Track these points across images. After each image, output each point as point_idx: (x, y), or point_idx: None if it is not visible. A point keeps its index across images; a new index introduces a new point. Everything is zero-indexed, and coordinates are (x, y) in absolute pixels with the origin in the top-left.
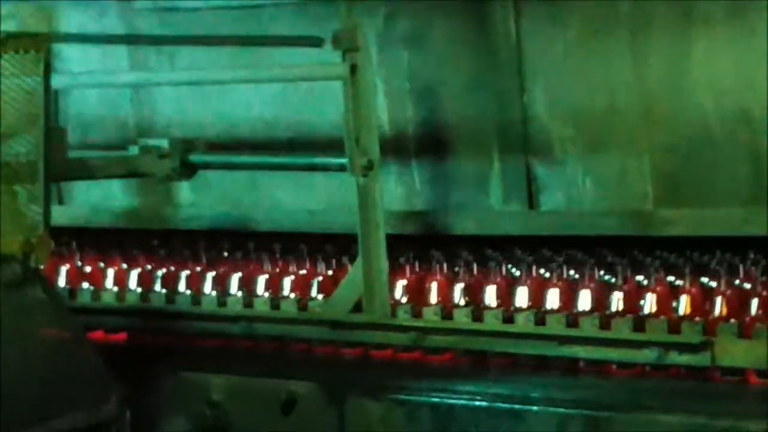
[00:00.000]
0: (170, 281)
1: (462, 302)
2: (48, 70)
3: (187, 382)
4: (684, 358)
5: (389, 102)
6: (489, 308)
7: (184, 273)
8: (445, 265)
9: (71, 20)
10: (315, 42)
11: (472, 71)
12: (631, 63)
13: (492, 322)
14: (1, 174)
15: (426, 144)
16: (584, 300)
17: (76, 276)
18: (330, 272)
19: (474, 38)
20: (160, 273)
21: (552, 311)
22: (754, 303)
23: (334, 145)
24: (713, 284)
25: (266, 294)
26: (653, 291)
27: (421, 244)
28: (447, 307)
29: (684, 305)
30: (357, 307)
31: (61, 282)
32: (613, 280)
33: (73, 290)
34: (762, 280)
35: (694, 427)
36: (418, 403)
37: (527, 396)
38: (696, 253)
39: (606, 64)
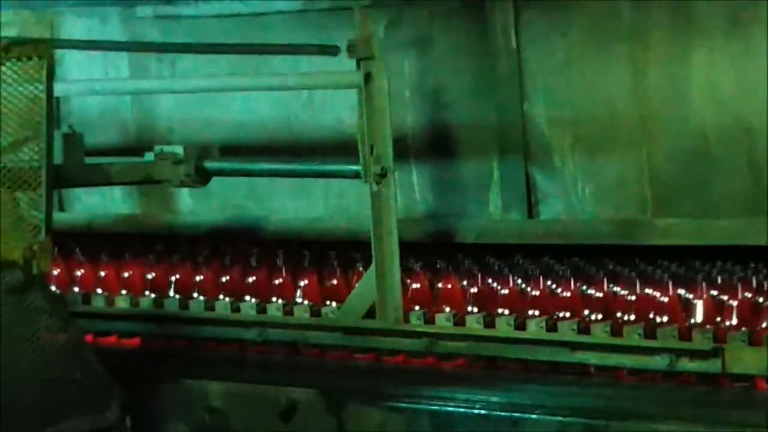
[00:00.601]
0: (180, 287)
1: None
2: (51, 77)
3: (187, 389)
4: (695, 365)
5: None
6: (501, 315)
7: (193, 278)
8: (452, 272)
9: (74, 28)
10: (330, 51)
11: (473, 80)
12: (631, 72)
13: (504, 328)
14: (3, 180)
15: (426, 151)
16: (596, 307)
17: (82, 281)
18: (335, 281)
19: (475, 47)
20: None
21: (564, 318)
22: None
23: (336, 150)
24: (723, 295)
25: (279, 301)
26: (664, 299)
27: (421, 251)
28: (459, 314)
29: (695, 313)
30: (369, 314)
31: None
32: (623, 290)
33: (87, 295)
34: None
35: None
36: (416, 410)
37: (526, 404)
38: (707, 265)
39: (605, 73)
